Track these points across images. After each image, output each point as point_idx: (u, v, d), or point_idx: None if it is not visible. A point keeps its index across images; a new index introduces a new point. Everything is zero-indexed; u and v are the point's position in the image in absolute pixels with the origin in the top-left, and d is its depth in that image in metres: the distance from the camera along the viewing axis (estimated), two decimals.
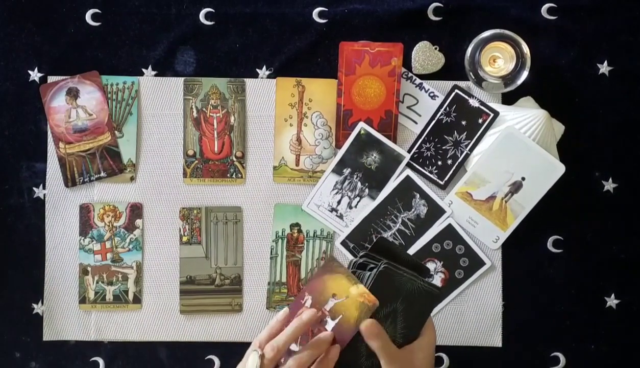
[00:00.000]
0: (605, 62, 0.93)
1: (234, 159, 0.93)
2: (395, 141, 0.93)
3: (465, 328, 0.93)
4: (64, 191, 0.93)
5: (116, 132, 0.93)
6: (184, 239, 0.93)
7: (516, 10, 0.93)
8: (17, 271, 0.93)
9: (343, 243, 0.93)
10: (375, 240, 0.71)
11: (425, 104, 0.93)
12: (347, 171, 0.92)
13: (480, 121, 0.92)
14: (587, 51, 0.93)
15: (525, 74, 0.90)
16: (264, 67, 0.94)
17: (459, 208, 0.92)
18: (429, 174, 0.93)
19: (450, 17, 0.94)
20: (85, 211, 0.93)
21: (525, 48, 0.89)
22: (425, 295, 0.70)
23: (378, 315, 0.67)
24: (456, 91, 0.92)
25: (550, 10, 0.94)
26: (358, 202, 0.93)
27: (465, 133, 0.92)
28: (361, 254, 0.70)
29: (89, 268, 0.92)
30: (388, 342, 0.66)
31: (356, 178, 0.92)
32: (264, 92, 0.93)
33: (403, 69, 0.93)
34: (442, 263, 0.92)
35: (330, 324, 0.67)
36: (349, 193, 0.93)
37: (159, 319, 0.93)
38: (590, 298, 0.93)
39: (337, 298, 0.68)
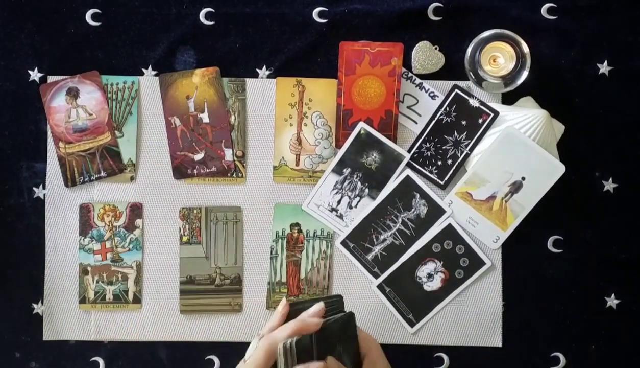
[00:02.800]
0: (605, 62, 0.93)
1: (234, 158, 0.93)
2: (395, 141, 0.93)
3: (465, 328, 0.93)
4: (64, 191, 0.93)
5: (116, 132, 0.93)
6: (184, 239, 0.93)
7: (516, 10, 0.93)
8: (17, 271, 0.93)
9: (343, 243, 0.92)
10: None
11: (425, 104, 0.93)
12: (347, 171, 0.92)
13: (480, 121, 0.92)
14: (587, 51, 0.93)
15: (525, 74, 0.90)
16: (264, 67, 0.94)
17: (459, 208, 0.92)
18: (429, 174, 0.93)
19: (450, 17, 0.93)
20: (85, 211, 0.93)
21: (525, 48, 0.89)
22: (345, 322, 0.71)
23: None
24: (456, 90, 0.92)
25: (550, 10, 0.94)
26: (358, 202, 0.93)
27: (465, 133, 0.92)
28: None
29: (89, 268, 0.92)
30: None
31: (356, 178, 0.92)
32: (264, 92, 0.93)
33: (403, 69, 0.93)
34: (442, 263, 0.92)
35: None
36: (349, 193, 0.93)
37: (158, 319, 0.93)
38: (590, 298, 0.93)
39: None
